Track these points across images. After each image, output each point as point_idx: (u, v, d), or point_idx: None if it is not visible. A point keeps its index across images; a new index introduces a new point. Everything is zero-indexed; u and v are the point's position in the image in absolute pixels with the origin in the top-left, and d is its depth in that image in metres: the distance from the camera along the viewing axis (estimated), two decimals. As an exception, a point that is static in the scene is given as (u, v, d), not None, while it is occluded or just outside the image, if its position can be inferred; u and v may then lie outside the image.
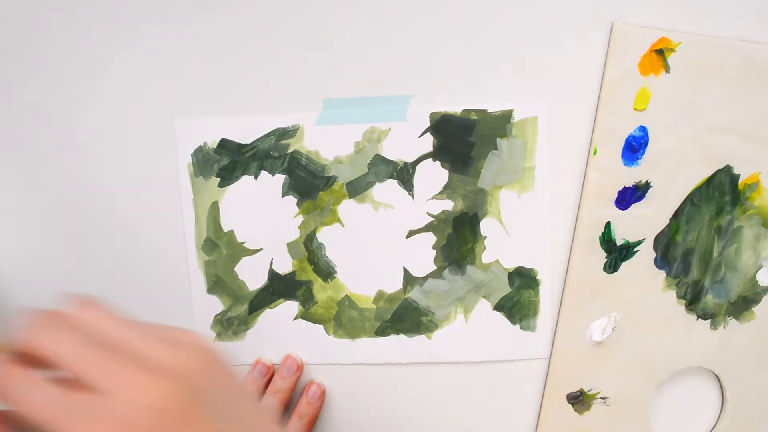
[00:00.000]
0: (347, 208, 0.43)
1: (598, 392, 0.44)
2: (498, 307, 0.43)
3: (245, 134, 0.42)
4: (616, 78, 0.40)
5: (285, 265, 0.44)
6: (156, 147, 0.43)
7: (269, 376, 0.44)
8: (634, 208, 0.42)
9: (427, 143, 0.42)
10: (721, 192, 0.42)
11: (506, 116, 0.41)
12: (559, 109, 0.41)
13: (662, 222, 0.42)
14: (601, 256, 0.42)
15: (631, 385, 0.44)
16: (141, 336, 0.26)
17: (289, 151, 0.42)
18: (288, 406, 0.44)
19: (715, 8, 0.40)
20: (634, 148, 0.41)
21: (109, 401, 0.24)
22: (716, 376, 0.44)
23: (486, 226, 0.43)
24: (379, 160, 0.42)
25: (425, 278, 0.43)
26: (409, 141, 0.42)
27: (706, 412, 0.45)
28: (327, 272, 0.43)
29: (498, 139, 0.41)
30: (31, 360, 0.26)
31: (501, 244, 0.43)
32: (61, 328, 0.26)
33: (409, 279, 0.43)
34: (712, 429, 0.45)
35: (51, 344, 0.26)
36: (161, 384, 0.25)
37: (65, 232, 0.44)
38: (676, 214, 0.42)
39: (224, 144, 0.42)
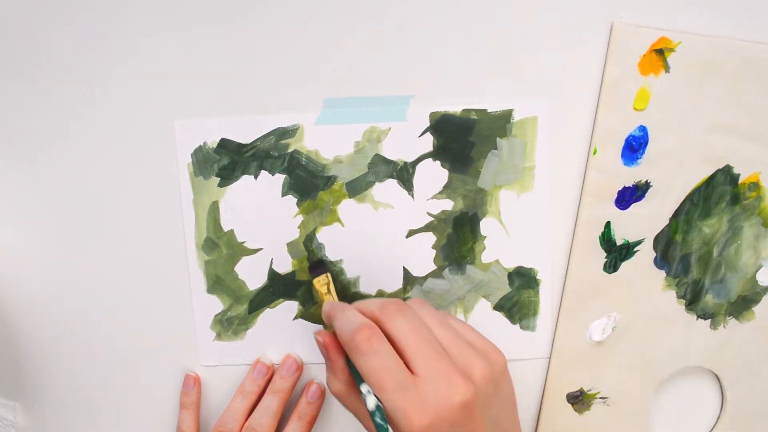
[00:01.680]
0: (347, 207, 0.43)
1: (598, 392, 0.44)
2: (498, 307, 0.43)
3: (245, 134, 0.42)
4: (616, 78, 0.40)
5: (285, 265, 0.44)
6: (156, 147, 0.43)
7: (269, 376, 0.44)
8: (634, 207, 0.42)
9: (427, 143, 0.42)
10: (721, 192, 0.42)
11: (506, 116, 0.41)
12: (559, 109, 0.41)
13: (662, 222, 0.42)
14: (601, 256, 0.42)
15: (631, 385, 0.44)
16: (460, 342, 0.33)
17: (289, 150, 0.42)
18: (288, 406, 0.44)
19: (715, 8, 0.40)
20: (634, 147, 0.41)
21: (422, 384, 0.31)
22: (716, 376, 0.44)
23: (486, 225, 0.43)
24: (379, 160, 0.42)
25: (425, 278, 0.43)
26: (409, 141, 0.42)
27: (705, 412, 0.45)
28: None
29: (498, 138, 0.41)
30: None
31: (501, 243, 0.43)
32: (407, 317, 0.33)
33: (409, 279, 0.43)
34: (712, 429, 0.45)
35: (396, 325, 0.33)
36: (468, 388, 0.31)
37: (65, 232, 0.44)
38: (676, 214, 0.42)
39: (224, 144, 0.42)
